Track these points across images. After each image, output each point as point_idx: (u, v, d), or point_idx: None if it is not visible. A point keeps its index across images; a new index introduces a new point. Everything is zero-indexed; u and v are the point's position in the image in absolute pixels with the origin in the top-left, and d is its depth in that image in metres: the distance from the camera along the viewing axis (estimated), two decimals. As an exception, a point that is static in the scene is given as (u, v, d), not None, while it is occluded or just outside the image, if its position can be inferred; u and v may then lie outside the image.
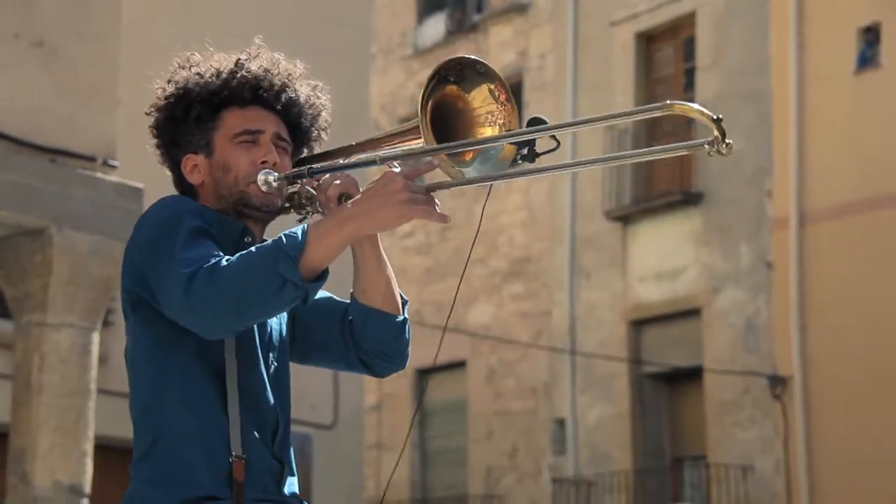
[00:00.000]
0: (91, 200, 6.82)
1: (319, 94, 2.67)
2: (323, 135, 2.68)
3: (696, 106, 2.28)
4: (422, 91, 2.40)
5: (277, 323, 2.57)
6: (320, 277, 2.35)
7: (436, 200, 2.39)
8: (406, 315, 2.63)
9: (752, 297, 15.90)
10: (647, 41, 17.63)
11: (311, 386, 11.84)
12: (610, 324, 17.27)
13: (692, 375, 16.46)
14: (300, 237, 2.32)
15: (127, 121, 8.30)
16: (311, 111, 2.65)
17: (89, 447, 6.79)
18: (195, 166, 2.58)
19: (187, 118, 2.58)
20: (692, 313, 16.47)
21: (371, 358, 2.60)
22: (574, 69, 18.15)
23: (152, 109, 2.63)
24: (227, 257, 2.34)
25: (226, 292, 2.29)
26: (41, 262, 6.68)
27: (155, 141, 2.64)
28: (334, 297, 2.65)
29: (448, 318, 3.05)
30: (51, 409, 6.68)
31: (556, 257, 18.07)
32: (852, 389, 14.76)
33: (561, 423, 17.71)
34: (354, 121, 13.68)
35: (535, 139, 2.44)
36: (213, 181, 2.56)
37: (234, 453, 2.38)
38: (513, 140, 2.45)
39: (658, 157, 2.36)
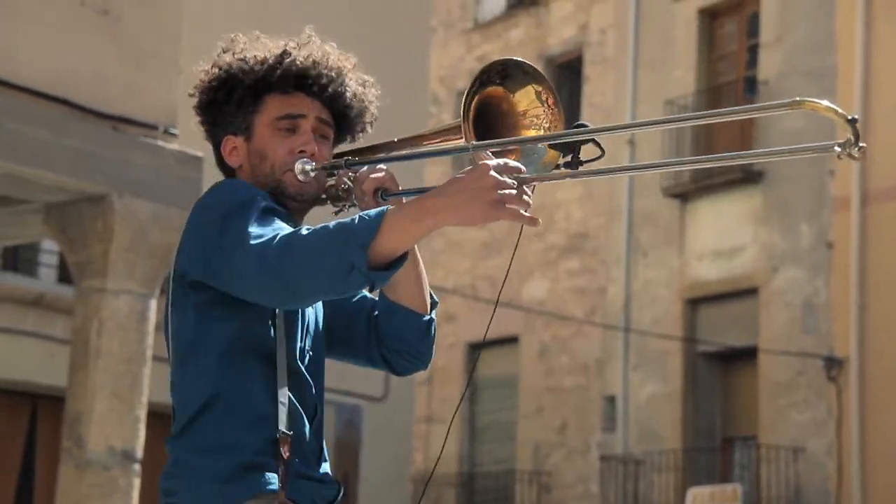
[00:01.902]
0: (152, 168, 6.86)
1: (369, 89, 2.62)
2: (368, 128, 2.63)
3: (827, 104, 2.13)
4: (465, 91, 2.34)
5: (313, 313, 2.53)
6: (393, 265, 2.24)
7: (529, 199, 2.22)
8: (434, 316, 2.59)
9: (811, 277, 15.75)
10: (710, 17, 17.45)
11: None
12: (665, 302, 17.18)
13: (747, 356, 16.35)
14: (375, 221, 2.21)
15: (188, 90, 8.32)
16: (357, 105, 2.60)
17: (143, 413, 6.84)
18: (234, 148, 2.56)
19: (229, 101, 2.55)
20: (749, 293, 16.35)
21: (393, 355, 2.58)
22: (635, 45, 18.00)
23: (196, 91, 2.61)
24: (303, 228, 2.30)
25: (295, 266, 2.23)
26: (102, 229, 6.73)
27: (200, 119, 2.63)
28: (365, 292, 2.59)
29: (499, 293, 2.99)
30: (107, 374, 6.74)
31: (613, 234, 17.98)
32: (910, 374, 14.61)
33: (612, 400, 17.66)
34: (414, 94, 13.66)
35: (579, 145, 2.33)
36: (250, 166, 2.54)
37: (281, 429, 2.37)
38: (560, 142, 2.35)
39: (780, 158, 2.26)
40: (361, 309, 2.60)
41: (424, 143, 2.56)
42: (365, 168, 2.50)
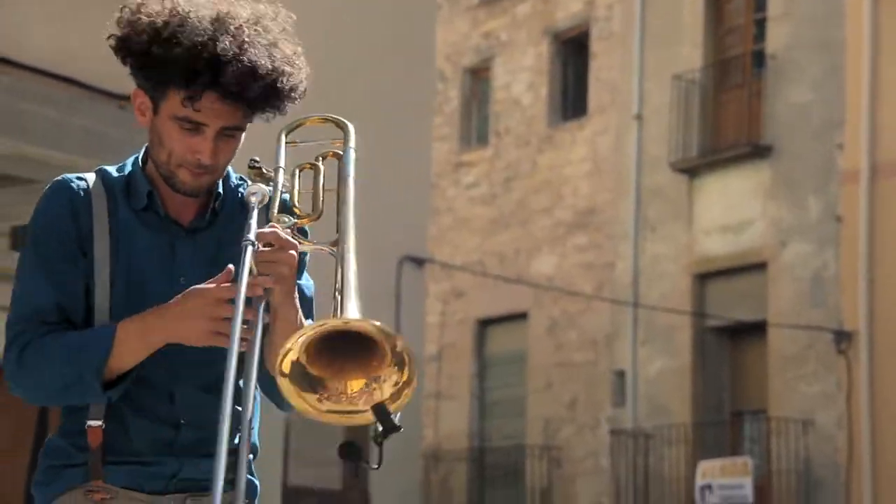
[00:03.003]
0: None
1: (290, 73, 2.39)
2: (286, 110, 2.45)
3: None
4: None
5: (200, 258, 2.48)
6: (126, 377, 2.38)
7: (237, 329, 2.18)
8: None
9: (820, 250, 15.73)
10: (718, -10, 17.39)
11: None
12: (674, 277, 17.18)
13: (756, 330, 16.35)
14: (106, 343, 2.34)
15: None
16: (276, 103, 2.42)
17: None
18: (143, 103, 2.42)
19: (141, 70, 2.39)
20: (758, 267, 16.34)
21: (265, 390, 2.48)
22: (642, 20, 17.94)
23: (136, 16, 2.37)
24: (48, 339, 2.39)
25: (33, 379, 2.39)
26: (110, 208, 6.73)
27: (121, 36, 2.40)
28: None
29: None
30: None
31: (621, 209, 17.96)
32: (919, 346, 14.62)
33: (621, 375, 17.68)
34: (420, 71, 13.63)
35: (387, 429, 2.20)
36: (151, 139, 2.43)
37: (89, 421, 2.42)
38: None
39: None
40: None
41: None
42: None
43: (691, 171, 17.04)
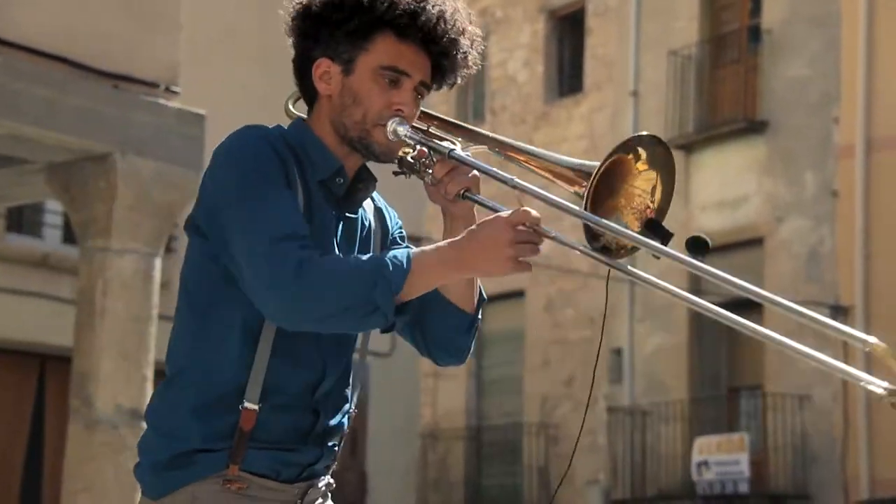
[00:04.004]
0: (154, 126, 6.84)
1: (478, 53, 2.47)
2: (459, 80, 2.48)
3: None
4: (607, 156, 2.28)
5: None
6: (403, 310, 2.27)
7: (539, 247, 2.28)
8: (479, 315, 2.51)
9: (816, 226, 15.73)
10: (713, -35, 17.33)
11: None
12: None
13: (752, 305, 16.29)
14: (405, 268, 2.21)
15: (189, 47, 8.29)
16: (463, 69, 2.45)
17: (150, 372, 6.86)
18: (326, 73, 2.38)
19: (340, 26, 2.35)
20: (754, 243, 16.33)
21: (432, 346, 2.49)
22: (638, -6, 17.88)
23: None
24: (326, 256, 2.24)
25: (315, 296, 2.20)
26: (105, 188, 6.72)
27: (296, 15, 2.40)
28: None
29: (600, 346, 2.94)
30: (114, 333, 6.75)
31: (617, 185, 17.92)
32: (916, 321, 14.62)
33: (618, 352, 17.70)
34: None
35: (667, 235, 2.33)
36: (340, 103, 2.37)
37: (246, 402, 2.30)
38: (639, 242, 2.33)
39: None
40: None
41: (536, 166, 2.46)
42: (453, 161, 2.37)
43: (688, 147, 17.01)
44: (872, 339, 2.05)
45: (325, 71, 2.38)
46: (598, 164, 2.28)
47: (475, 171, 2.40)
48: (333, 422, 2.42)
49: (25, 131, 6.57)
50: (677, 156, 18.37)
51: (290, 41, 2.44)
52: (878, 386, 2.08)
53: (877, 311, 15.12)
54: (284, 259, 2.20)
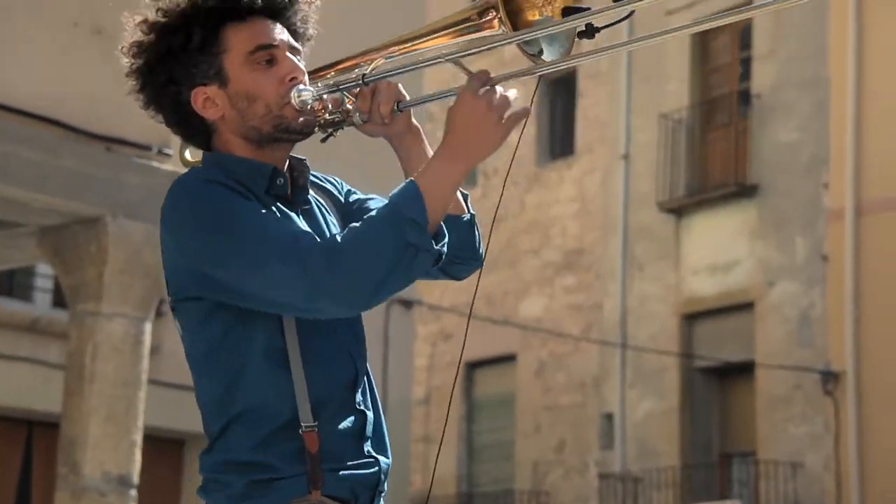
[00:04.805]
0: (146, 189, 6.80)
1: None
2: (312, 32, 2.41)
3: None
4: None
5: None
6: (441, 235, 2.18)
7: (513, 94, 2.25)
8: (472, 210, 2.44)
9: (807, 290, 15.71)
10: (703, 30, 17.45)
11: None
12: (662, 317, 17.13)
13: (744, 370, 16.30)
14: (415, 194, 2.14)
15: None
16: (305, 8, 2.38)
17: (139, 437, 6.78)
18: (207, 98, 2.29)
19: (188, 47, 2.27)
20: (745, 307, 16.31)
21: (447, 264, 2.38)
22: (628, 58, 17.99)
23: (135, 48, 2.30)
24: (338, 234, 2.17)
25: (356, 271, 2.10)
26: (96, 251, 6.67)
27: (140, 83, 2.31)
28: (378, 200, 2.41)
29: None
30: (102, 398, 6.69)
31: (609, 249, 17.94)
32: (908, 386, 14.57)
33: (609, 417, 17.60)
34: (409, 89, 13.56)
35: (591, 15, 2.28)
36: (238, 113, 2.28)
37: (303, 425, 2.21)
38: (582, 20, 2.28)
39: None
40: None
41: (436, 38, 2.39)
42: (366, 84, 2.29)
43: (678, 210, 17.04)
44: None
45: (206, 97, 2.30)
46: None
47: (393, 81, 2.33)
48: (378, 420, 2.35)
49: (16, 194, 6.54)
50: (668, 219, 18.51)
51: (151, 113, 2.36)
52: None
53: (868, 375, 15.07)
54: (309, 254, 2.12)
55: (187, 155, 2.51)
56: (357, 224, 2.17)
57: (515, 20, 2.31)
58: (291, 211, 2.31)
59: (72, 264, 6.76)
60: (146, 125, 7.15)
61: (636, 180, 17.69)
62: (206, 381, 2.31)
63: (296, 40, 2.36)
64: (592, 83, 18.59)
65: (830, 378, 15.25)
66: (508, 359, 18.72)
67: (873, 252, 15.14)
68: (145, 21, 2.31)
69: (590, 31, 2.28)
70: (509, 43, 2.27)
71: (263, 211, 2.21)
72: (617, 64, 18.14)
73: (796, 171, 15.93)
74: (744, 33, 17.00)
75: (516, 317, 18.37)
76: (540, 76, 2.41)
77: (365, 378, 2.35)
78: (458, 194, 2.40)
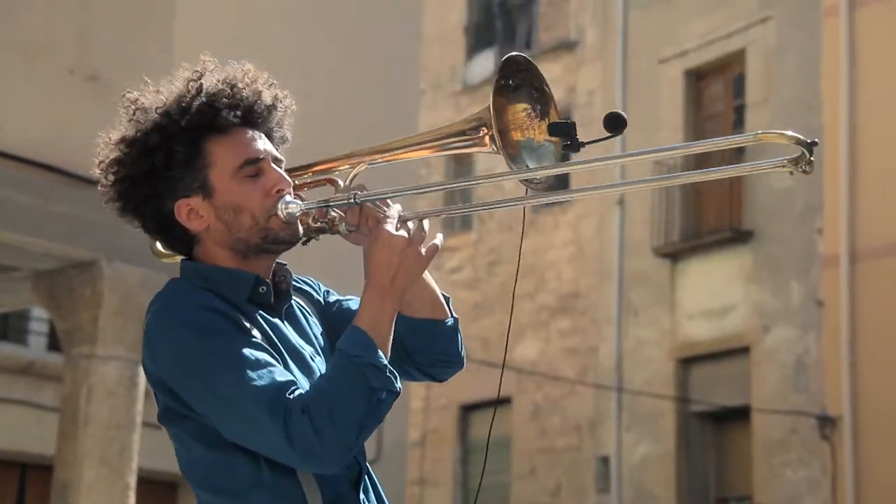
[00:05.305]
0: (140, 233, 6.83)
1: (284, 93, 2.42)
2: (289, 135, 2.43)
3: (787, 133, 2.18)
4: (492, 98, 2.33)
5: (322, 361, 2.36)
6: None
7: (424, 225, 2.32)
8: (455, 315, 2.49)
9: (802, 335, 15.74)
10: (697, 78, 17.57)
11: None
12: (657, 361, 17.14)
13: (740, 415, 16.29)
14: (365, 339, 2.18)
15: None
16: (283, 114, 2.40)
17: (132, 480, 6.79)
18: (191, 210, 2.30)
19: (171, 163, 2.28)
20: (741, 352, 16.32)
21: (429, 367, 2.46)
22: (622, 106, 18.10)
23: (115, 165, 2.32)
24: (310, 391, 2.16)
25: (335, 429, 2.12)
26: (91, 295, 6.71)
27: (118, 196, 2.33)
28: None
29: (504, 356, 2.94)
30: (96, 441, 6.70)
31: (604, 293, 17.98)
32: (904, 431, 14.57)
33: (605, 461, 17.57)
34: (402, 155, 13.68)
35: (573, 127, 2.40)
36: (224, 225, 2.30)
37: None
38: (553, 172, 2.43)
39: (736, 175, 2.30)
40: None
41: (420, 150, 2.47)
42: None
43: (673, 255, 17.09)
44: (757, 132, 2.15)
45: (190, 209, 2.31)
46: (485, 107, 2.34)
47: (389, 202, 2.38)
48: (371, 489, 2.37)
49: (11, 239, 6.58)
50: (664, 264, 18.51)
51: (133, 223, 2.37)
52: (778, 164, 2.19)
53: (864, 421, 15.06)
54: (292, 420, 2.12)
55: (158, 246, 2.49)
56: (321, 380, 2.19)
57: (502, 139, 2.36)
58: (273, 317, 2.32)
59: (66, 308, 6.80)
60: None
61: (631, 226, 17.75)
62: (207, 495, 2.28)
63: (274, 141, 2.39)
64: (587, 131, 18.54)
65: (827, 423, 15.24)
66: (503, 402, 18.72)
67: (868, 298, 15.18)
68: (123, 139, 2.33)
69: (575, 145, 2.39)
70: (511, 169, 2.38)
71: (248, 350, 2.18)
72: (611, 111, 18.22)
73: (791, 217, 16.00)
74: (737, 81, 17.12)
75: (511, 360, 18.38)
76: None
77: (368, 477, 2.36)
78: (441, 297, 2.46)
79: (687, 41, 17.37)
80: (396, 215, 2.29)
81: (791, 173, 2.21)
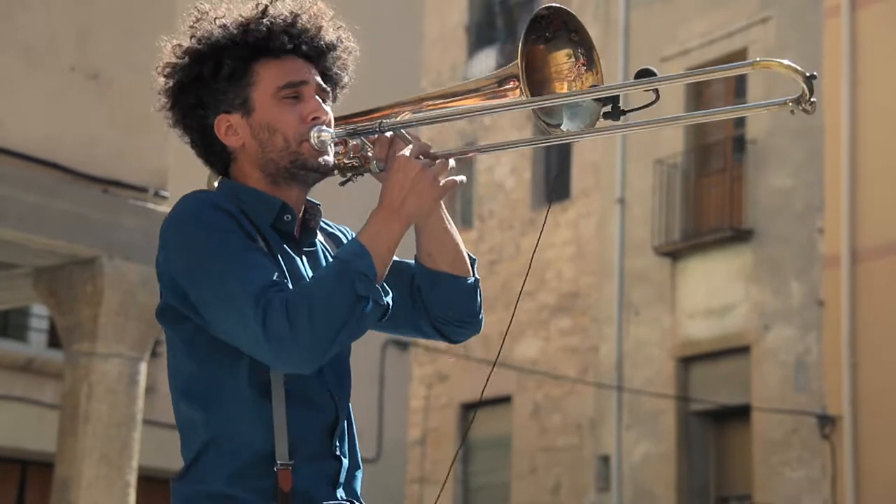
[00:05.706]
0: (142, 230, 6.85)
1: (349, 37, 2.47)
2: (350, 80, 2.48)
3: (785, 62, 2.19)
4: (520, 43, 2.31)
5: None
6: (385, 289, 2.25)
7: (452, 161, 2.32)
8: (477, 275, 2.50)
9: (803, 334, 15.74)
10: (698, 77, 17.55)
11: (354, 418, 11.81)
12: (658, 360, 17.14)
13: (740, 414, 16.29)
14: (361, 250, 2.22)
15: (178, 152, 8.36)
16: (344, 55, 2.45)
17: (133, 478, 6.79)
18: (230, 126, 2.36)
19: (218, 76, 2.34)
20: (741, 351, 16.32)
21: (444, 324, 2.47)
22: (624, 104, 18.08)
23: (169, 69, 2.39)
24: (295, 287, 2.22)
25: (311, 327, 2.16)
26: (92, 292, 6.71)
27: (170, 102, 2.39)
28: (397, 258, 2.42)
29: (499, 353, 2.93)
30: (97, 438, 6.70)
31: (605, 292, 17.98)
32: (904, 431, 14.57)
33: (605, 459, 17.57)
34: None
35: (618, 95, 2.35)
36: (258, 143, 2.34)
37: (279, 462, 2.23)
38: (598, 96, 2.36)
39: (739, 115, 2.30)
40: (402, 277, 2.46)
41: (462, 100, 2.45)
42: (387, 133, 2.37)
43: (674, 254, 17.09)
44: (756, 59, 2.16)
45: (229, 125, 2.36)
46: (515, 61, 2.32)
47: (417, 138, 2.39)
48: (353, 467, 2.37)
49: (13, 236, 6.58)
50: (664, 263, 18.51)
51: (177, 132, 2.42)
52: (780, 102, 2.18)
53: (864, 420, 15.07)
54: (271, 310, 2.16)
55: (216, 185, 2.58)
56: (310, 281, 2.23)
57: (541, 90, 2.35)
58: (294, 250, 2.36)
59: (67, 305, 6.80)
60: (142, 168, 7.24)
61: (632, 225, 17.75)
62: (185, 404, 2.32)
63: (330, 86, 2.43)
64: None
65: (827, 422, 15.24)
66: (504, 400, 18.72)
67: (869, 297, 15.18)
68: (180, 46, 2.39)
69: (615, 113, 2.35)
70: (530, 106, 2.34)
71: (253, 251, 2.24)
72: (613, 109, 18.22)
73: (791, 216, 16.00)
74: (739, 80, 17.12)
75: (512, 359, 18.39)
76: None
77: (345, 423, 2.37)
78: (467, 258, 2.46)
79: (688, 40, 17.37)
80: (419, 146, 2.31)
81: (792, 112, 2.21)
